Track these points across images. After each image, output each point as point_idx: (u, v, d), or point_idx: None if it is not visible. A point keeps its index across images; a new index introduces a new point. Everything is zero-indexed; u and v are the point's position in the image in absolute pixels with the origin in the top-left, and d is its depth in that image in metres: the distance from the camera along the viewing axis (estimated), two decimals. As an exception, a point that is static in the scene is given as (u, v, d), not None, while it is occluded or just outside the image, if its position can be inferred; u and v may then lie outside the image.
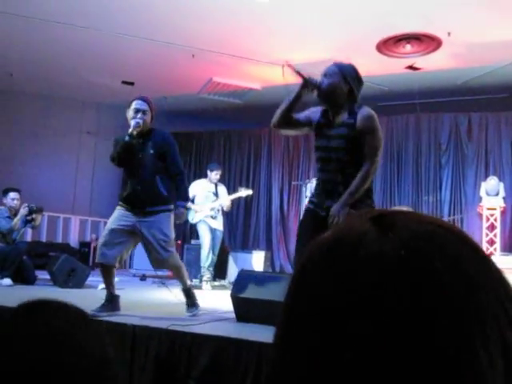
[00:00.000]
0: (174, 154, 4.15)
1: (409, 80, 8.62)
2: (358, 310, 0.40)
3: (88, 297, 5.28)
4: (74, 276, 5.93)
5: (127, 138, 3.96)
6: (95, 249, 9.81)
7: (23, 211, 6.34)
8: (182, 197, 4.20)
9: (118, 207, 4.14)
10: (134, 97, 4.23)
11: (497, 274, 0.43)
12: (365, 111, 3.06)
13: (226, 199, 7.31)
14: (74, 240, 10.21)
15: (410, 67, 8.22)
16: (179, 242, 8.61)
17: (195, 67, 8.63)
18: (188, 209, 5.27)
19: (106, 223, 11.87)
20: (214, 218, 7.14)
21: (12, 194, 6.50)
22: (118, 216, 4.06)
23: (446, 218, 8.46)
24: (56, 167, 10.68)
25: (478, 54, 7.50)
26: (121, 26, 7.30)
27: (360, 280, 0.40)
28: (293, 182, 9.63)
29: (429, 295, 0.40)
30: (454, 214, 8.59)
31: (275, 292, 3.50)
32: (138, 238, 4.09)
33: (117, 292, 4.11)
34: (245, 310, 3.65)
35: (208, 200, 7.22)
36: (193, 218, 7.10)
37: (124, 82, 9.69)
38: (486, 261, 0.43)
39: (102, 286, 5.85)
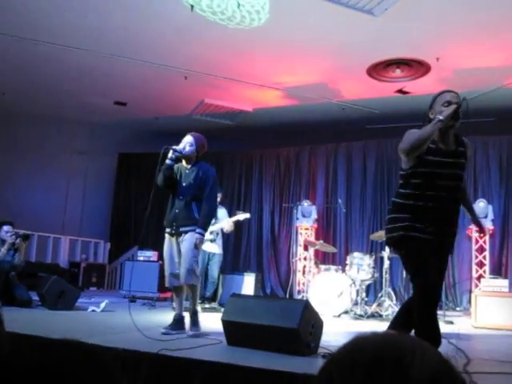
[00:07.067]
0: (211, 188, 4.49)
1: (398, 103, 8.74)
2: None
3: (78, 319, 5.24)
4: (64, 298, 5.87)
5: (170, 162, 4.34)
6: (85, 269, 9.81)
7: (9, 239, 6.27)
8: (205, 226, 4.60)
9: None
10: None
11: None
12: (467, 141, 3.24)
13: (226, 222, 7.20)
14: (63, 260, 10.15)
15: (400, 91, 8.35)
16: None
17: (187, 89, 8.71)
18: None
19: (96, 243, 11.77)
20: (213, 241, 7.07)
21: (6, 228, 6.41)
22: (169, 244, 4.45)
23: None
24: (47, 187, 10.65)
25: (465, 79, 7.63)
26: (114, 47, 7.37)
27: None
28: (284, 204, 9.63)
29: None
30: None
31: (265, 316, 3.51)
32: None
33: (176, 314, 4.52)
34: (235, 333, 3.65)
35: None
36: None
37: (116, 103, 9.74)
38: None
39: (92, 308, 5.85)
